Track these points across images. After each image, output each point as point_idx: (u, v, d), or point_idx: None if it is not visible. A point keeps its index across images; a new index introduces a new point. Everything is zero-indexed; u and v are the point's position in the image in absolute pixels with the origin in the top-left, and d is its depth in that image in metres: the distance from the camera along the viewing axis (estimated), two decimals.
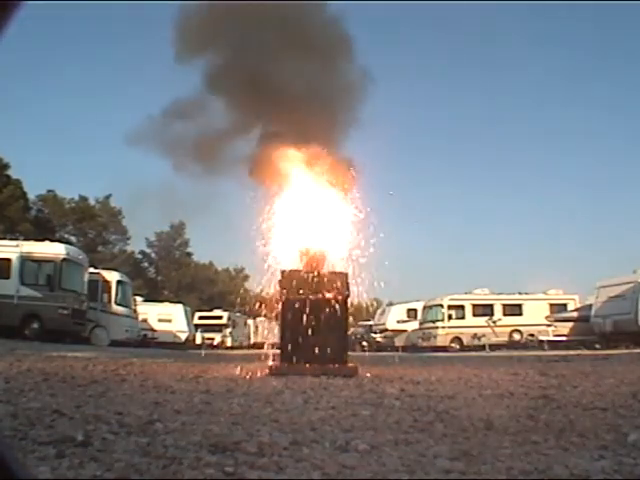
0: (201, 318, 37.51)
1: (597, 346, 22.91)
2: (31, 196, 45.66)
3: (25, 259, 20.29)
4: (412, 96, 70.14)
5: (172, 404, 4.02)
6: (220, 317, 37.95)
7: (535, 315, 28.96)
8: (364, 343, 34.06)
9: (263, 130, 8.87)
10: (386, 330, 33.74)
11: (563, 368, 9.05)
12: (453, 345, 28.64)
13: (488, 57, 75.05)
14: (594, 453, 2.61)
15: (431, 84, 76.94)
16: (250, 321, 41.46)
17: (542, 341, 27.38)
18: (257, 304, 8.60)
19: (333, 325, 7.61)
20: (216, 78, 8.63)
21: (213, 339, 35.81)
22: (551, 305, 29.88)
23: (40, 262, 20.59)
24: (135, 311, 25.49)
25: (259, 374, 7.16)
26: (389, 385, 5.89)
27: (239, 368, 7.60)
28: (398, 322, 33.76)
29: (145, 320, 28.78)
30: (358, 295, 8.35)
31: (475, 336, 28.64)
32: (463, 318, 29.42)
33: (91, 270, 23.22)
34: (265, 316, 9.27)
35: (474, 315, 29.40)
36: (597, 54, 75.55)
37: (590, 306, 25.68)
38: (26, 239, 26.54)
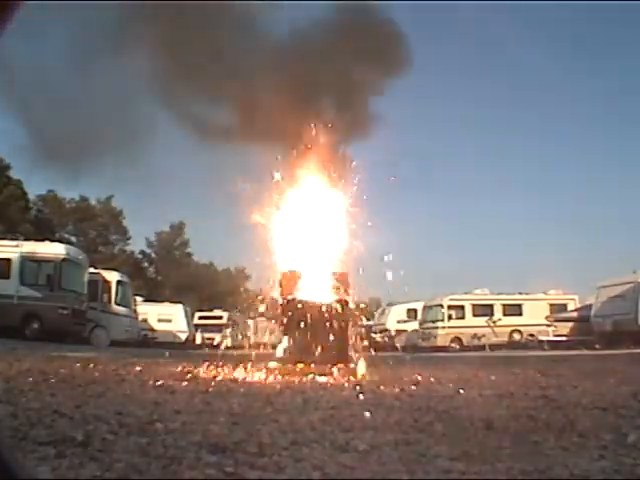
0: (201, 318, 37.51)
1: (597, 346, 22.90)
2: (31, 196, 45.73)
3: (25, 259, 20.29)
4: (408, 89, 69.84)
5: (172, 404, 4.02)
6: (220, 317, 37.93)
7: (535, 315, 28.96)
8: (364, 343, 33.99)
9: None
10: (386, 330, 33.73)
11: (563, 368, 9.05)
12: (453, 345, 28.63)
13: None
14: (594, 453, 2.61)
15: (429, 75, 76.77)
16: (250, 321, 41.44)
17: (542, 341, 27.38)
18: (258, 304, 8.60)
19: (333, 325, 7.61)
20: None
21: (213, 339, 35.79)
22: (551, 305, 29.89)
23: (40, 262, 20.59)
24: (135, 311, 25.48)
25: (259, 374, 7.16)
26: (389, 385, 5.89)
27: (239, 368, 7.60)
28: (398, 322, 33.75)
29: (145, 320, 28.77)
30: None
31: (475, 336, 28.63)
32: (463, 318, 29.42)
33: (91, 270, 23.22)
34: (265, 316, 9.26)
35: (474, 315, 29.40)
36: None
37: (590, 306, 25.68)
38: (26, 239, 26.52)
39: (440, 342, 28.65)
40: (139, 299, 28.96)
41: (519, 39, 65.80)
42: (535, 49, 65.74)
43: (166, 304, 34.79)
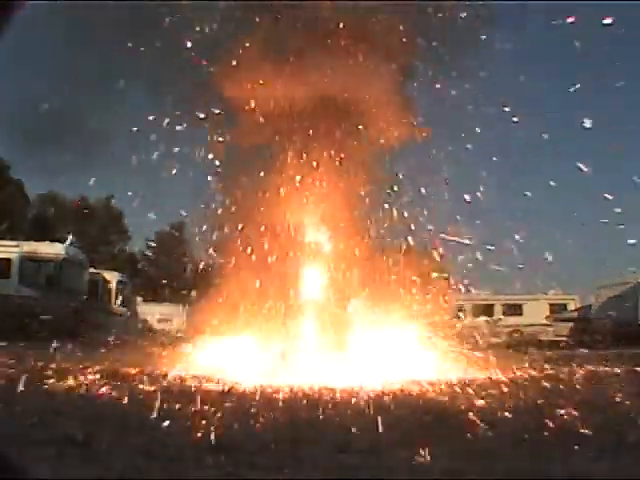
0: None
1: (598, 346, 22.86)
2: (31, 196, 45.65)
3: (25, 259, 20.27)
4: None
5: (172, 404, 4.02)
6: None
7: (535, 315, 28.93)
8: None
9: None
10: None
11: (563, 368, 9.04)
12: None
13: None
14: (594, 453, 2.61)
15: None
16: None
17: (542, 341, 27.33)
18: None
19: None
20: None
21: None
22: (551, 305, 29.84)
23: (40, 262, 20.57)
24: (135, 311, 25.47)
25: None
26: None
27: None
28: None
29: (145, 320, 28.72)
30: None
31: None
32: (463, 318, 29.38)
33: (91, 270, 23.20)
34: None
35: (474, 315, 29.36)
36: None
37: (590, 306, 25.64)
38: (26, 239, 26.48)
39: None
40: (139, 299, 28.93)
41: None
42: None
43: (166, 304, 34.70)
